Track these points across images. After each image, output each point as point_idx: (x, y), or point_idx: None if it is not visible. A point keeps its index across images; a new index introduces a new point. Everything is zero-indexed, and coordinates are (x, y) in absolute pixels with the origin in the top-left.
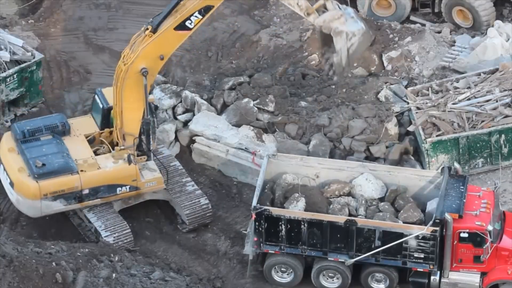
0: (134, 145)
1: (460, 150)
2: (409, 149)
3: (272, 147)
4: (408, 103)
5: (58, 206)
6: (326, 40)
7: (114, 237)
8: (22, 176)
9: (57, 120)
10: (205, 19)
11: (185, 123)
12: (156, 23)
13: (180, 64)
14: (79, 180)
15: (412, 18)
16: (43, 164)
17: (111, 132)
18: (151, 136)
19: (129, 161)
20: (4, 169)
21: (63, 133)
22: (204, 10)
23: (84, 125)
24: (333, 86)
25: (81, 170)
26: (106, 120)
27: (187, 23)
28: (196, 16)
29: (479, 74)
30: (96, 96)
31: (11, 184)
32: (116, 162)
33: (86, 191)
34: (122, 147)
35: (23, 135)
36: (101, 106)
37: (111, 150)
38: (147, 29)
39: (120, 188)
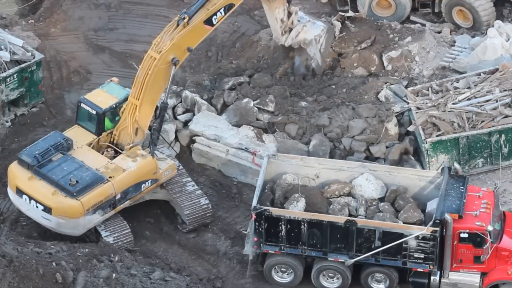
0: (157, 138)
1: (460, 150)
2: (409, 149)
3: (272, 147)
4: (408, 103)
5: (97, 217)
6: (287, 51)
7: (114, 237)
8: (60, 199)
9: (59, 138)
10: (226, 17)
11: (185, 123)
12: (191, 14)
13: (180, 64)
14: (113, 187)
15: (412, 18)
16: (77, 181)
17: (106, 135)
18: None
19: (153, 155)
20: (31, 199)
21: (68, 149)
22: (227, 8)
23: (78, 135)
24: (333, 86)
25: (110, 177)
26: (102, 124)
27: (213, 19)
28: (220, 13)
29: (479, 74)
30: (82, 105)
31: (47, 210)
32: (135, 160)
33: (118, 196)
34: (132, 145)
35: (37, 160)
36: (94, 112)
37: (117, 151)
38: (183, 18)
39: (144, 184)
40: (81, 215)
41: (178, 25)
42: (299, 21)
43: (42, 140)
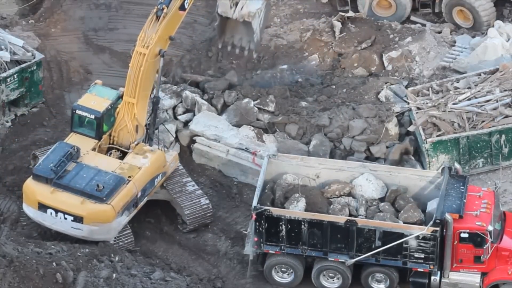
0: (153, 133)
1: (461, 150)
2: (409, 149)
3: (272, 147)
4: (408, 103)
5: (124, 218)
6: (223, 28)
7: (114, 237)
8: (90, 206)
9: (67, 147)
10: (194, 0)
11: (186, 123)
12: (168, 3)
13: (181, 64)
14: (134, 186)
15: (413, 18)
16: (103, 186)
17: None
18: (155, 120)
19: (163, 149)
20: (58, 211)
21: (77, 157)
22: None
23: (79, 142)
24: (333, 86)
25: (129, 177)
26: (102, 128)
27: (185, 3)
28: None
29: (479, 74)
30: (78, 111)
31: (78, 219)
32: (145, 156)
33: (139, 194)
34: (136, 142)
35: (54, 173)
36: (93, 116)
37: (122, 151)
38: (162, 9)
39: (156, 179)
40: (114, 219)
41: (157, 17)
42: None
43: (51, 152)
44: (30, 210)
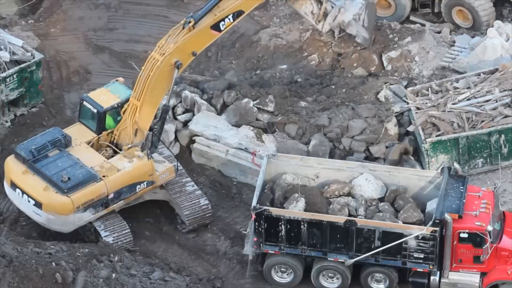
0: (158, 141)
1: (460, 150)
2: (409, 149)
3: (272, 147)
4: (408, 103)
5: (88, 216)
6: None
7: (113, 237)
8: (51, 194)
9: (57, 134)
10: (234, 23)
11: (185, 123)
12: (197, 18)
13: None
14: (105, 186)
15: (412, 18)
16: (69, 178)
17: (107, 134)
18: (162, 130)
19: (148, 157)
20: (24, 193)
21: (66, 145)
22: (236, 15)
23: (79, 133)
24: (333, 86)
25: (103, 176)
26: (103, 123)
27: (220, 24)
28: (229, 19)
29: (479, 74)
30: (85, 103)
31: (38, 205)
32: (131, 161)
33: (111, 196)
34: (131, 145)
35: (32, 155)
36: (95, 111)
37: (116, 151)
38: (189, 22)
39: (139, 186)
40: (71, 212)
41: (183, 28)
42: (332, 6)
43: (40, 135)
44: (5, 186)
